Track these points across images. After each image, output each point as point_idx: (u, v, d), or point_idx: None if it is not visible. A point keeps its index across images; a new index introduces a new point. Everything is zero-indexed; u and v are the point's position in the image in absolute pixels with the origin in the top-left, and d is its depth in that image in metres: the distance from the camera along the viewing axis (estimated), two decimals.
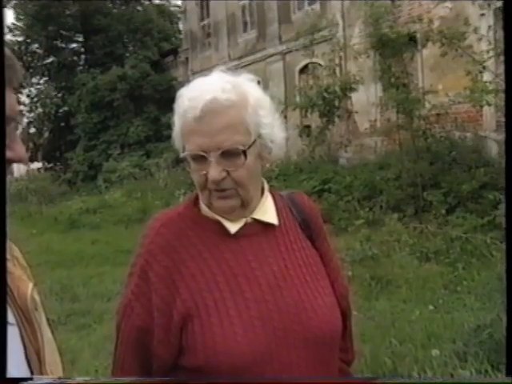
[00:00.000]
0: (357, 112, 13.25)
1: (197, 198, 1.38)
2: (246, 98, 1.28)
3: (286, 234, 1.39)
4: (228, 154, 1.25)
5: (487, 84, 8.24)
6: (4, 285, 0.94)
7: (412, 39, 10.65)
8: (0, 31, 0.98)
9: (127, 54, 25.67)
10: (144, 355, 1.29)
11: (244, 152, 1.26)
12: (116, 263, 8.51)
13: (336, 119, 12.49)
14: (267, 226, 1.37)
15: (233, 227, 1.32)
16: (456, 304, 5.66)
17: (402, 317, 5.38)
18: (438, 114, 10.23)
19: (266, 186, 1.42)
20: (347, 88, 11.94)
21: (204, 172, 1.26)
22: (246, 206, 1.32)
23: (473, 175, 9.04)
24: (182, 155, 1.30)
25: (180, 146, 1.32)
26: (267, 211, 1.38)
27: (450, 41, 8.83)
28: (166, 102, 24.14)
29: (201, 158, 1.26)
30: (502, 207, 7.09)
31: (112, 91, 23.14)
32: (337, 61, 13.47)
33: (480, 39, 9.18)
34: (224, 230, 1.33)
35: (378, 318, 5.39)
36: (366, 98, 13.18)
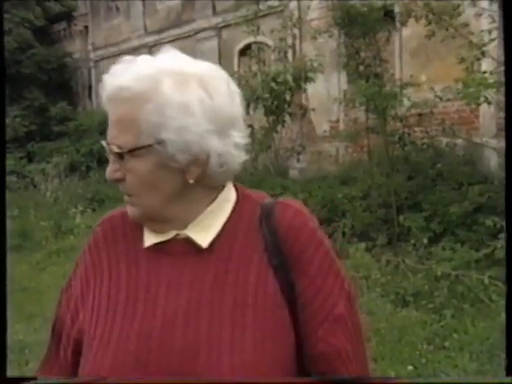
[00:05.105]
0: (314, 109, 13.46)
1: None
2: (154, 92, 1.34)
3: (226, 260, 1.41)
4: (119, 153, 1.37)
5: (486, 75, 8.29)
6: (4, 284, 1.22)
7: (388, 14, 10.77)
8: (0, 32, 0.95)
9: None
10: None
11: (120, 154, 1.36)
12: None
13: (287, 118, 12.54)
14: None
15: (148, 239, 1.45)
16: (444, 364, 5.61)
17: None
18: (419, 115, 10.46)
19: (231, 196, 1.47)
20: (302, 77, 12.07)
21: None
22: (156, 219, 1.42)
23: (465, 194, 9.19)
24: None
25: None
26: (207, 228, 1.43)
27: (438, 16, 8.94)
28: (57, 85, 23.96)
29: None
30: (503, 237, 7.11)
31: None
32: (289, 41, 13.58)
33: (480, 15, 9.33)
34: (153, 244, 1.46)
35: None
36: (326, 92, 13.36)
